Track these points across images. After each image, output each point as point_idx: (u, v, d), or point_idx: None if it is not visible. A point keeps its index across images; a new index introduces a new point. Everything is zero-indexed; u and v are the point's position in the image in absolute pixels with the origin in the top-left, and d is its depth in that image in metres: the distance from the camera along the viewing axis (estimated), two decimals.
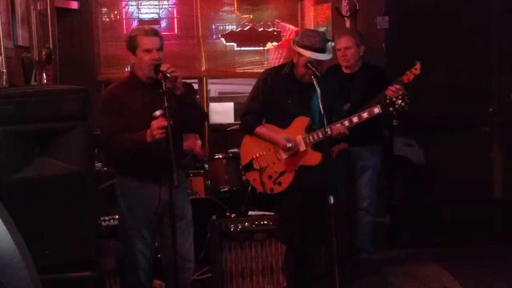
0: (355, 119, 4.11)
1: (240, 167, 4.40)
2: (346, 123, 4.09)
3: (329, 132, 3.98)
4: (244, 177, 4.45)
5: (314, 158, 4.06)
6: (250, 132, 4.24)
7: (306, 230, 4.21)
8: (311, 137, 4.10)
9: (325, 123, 3.81)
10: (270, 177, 4.19)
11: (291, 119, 4.12)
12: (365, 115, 4.14)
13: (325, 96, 3.89)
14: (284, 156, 4.16)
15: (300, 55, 4.05)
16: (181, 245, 3.70)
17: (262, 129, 4.19)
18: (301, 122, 4.11)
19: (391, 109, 4.13)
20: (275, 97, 4.16)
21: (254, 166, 4.22)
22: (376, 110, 4.14)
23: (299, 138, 4.12)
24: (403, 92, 4.15)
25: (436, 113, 5.76)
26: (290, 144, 4.08)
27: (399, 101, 4.11)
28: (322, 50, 4.02)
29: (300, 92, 3.97)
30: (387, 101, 4.13)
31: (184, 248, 3.82)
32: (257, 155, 4.22)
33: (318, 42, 4.00)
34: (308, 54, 3.97)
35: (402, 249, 5.58)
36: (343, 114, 4.20)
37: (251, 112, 4.22)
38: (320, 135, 4.03)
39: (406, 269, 5.16)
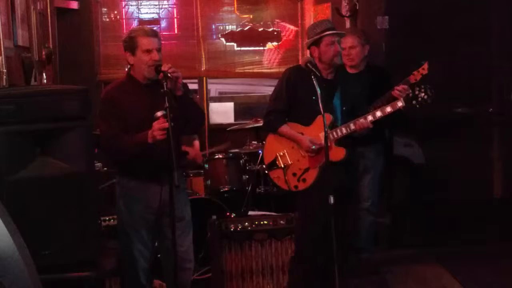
0: (378, 113, 4.11)
1: (264, 166, 4.45)
2: (370, 117, 4.10)
3: (352, 127, 4.07)
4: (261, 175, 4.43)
5: (338, 154, 4.08)
6: (274, 131, 4.26)
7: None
8: (334, 133, 4.12)
9: (325, 122, 3.82)
10: (294, 174, 4.20)
11: (315, 116, 4.12)
12: (388, 109, 4.12)
13: (349, 92, 4.10)
14: (308, 153, 4.17)
15: (318, 48, 4.15)
16: (180, 245, 3.70)
17: (285, 128, 4.21)
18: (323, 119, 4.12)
19: (414, 102, 4.09)
20: (299, 94, 4.19)
21: (278, 164, 4.23)
22: (400, 104, 4.10)
23: (322, 134, 4.11)
24: (426, 85, 4.11)
25: (436, 113, 5.76)
26: (314, 147, 4.11)
27: (422, 94, 4.07)
28: (334, 29, 4.20)
29: (323, 89, 3.97)
30: (410, 94, 4.10)
31: (183, 249, 3.81)
32: (281, 153, 4.23)
33: (328, 24, 4.20)
34: (329, 33, 4.11)
35: (402, 249, 5.59)
36: (366, 111, 4.20)
37: (275, 111, 4.25)
38: (344, 131, 4.06)
39: (406, 269, 5.16)
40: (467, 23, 5.78)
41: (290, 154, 4.22)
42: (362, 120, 4.08)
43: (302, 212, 4.32)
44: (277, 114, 4.24)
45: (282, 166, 4.22)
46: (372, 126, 4.10)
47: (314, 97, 4.07)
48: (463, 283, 4.83)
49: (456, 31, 5.79)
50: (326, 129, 3.83)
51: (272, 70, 6.75)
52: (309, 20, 6.52)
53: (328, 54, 4.13)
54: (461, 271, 5.02)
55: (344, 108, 4.13)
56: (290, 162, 4.21)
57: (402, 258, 5.39)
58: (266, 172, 4.44)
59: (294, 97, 4.20)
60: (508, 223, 5.72)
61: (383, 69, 5.11)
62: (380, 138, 5.12)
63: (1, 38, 3.54)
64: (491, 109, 5.99)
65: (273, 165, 4.26)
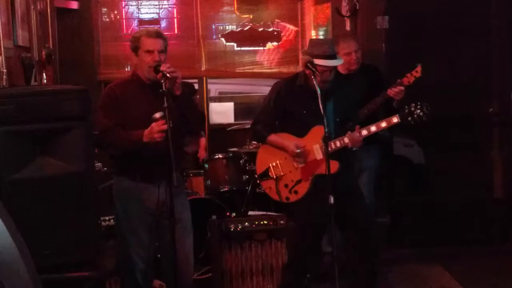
0: (373, 128, 4.10)
1: (255, 176, 4.41)
2: (364, 132, 4.08)
3: (346, 141, 4.03)
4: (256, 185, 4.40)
5: (331, 167, 4.03)
6: (263, 140, 4.26)
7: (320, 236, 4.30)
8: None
9: (325, 123, 3.80)
10: (286, 185, 4.18)
11: (308, 129, 4.11)
12: (383, 124, 4.12)
13: (342, 103, 4.02)
14: (300, 164, 4.14)
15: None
16: (179, 248, 3.62)
17: (273, 137, 4.20)
18: (318, 131, 4.04)
19: (409, 118, 4.11)
20: (289, 108, 4.15)
21: (270, 174, 4.22)
22: (395, 119, 4.12)
23: (316, 147, 4.10)
24: (423, 102, 4.12)
25: (436, 113, 5.75)
26: (298, 150, 4.07)
27: (418, 111, 4.09)
28: (333, 57, 4.02)
29: (314, 102, 3.91)
30: (406, 110, 4.11)
31: (182, 252, 3.75)
32: (274, 164, 4.21)
33: (328, 50, 3.99)
34: (321, 62, 3.95)
35: (402, 249, 5.59)
36: (359, 120, 4.19)
37: (262, 122, 4.23)
38: (338, 144, 4.03)
39: (406, 269, 5.16)
40: (467, 23, 5.78)
41: (283, 165, 4.19)
42: (355, 135, 4.03)
43: (297, 221, 4.31)
44: (264, 124, 4.22)
45: (274, 177, 4.20)
46: (363, 143, 4.08)
47: (305, 111, 4.06)
48: (463, 283, 4.83)
49: (456, 31, 5.79)
50: (325, 131, 3.80)
51: (272, 70, 6.75)
52: (309, 20, 6.52)
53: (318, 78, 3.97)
54: (461, 271, 5.03)
55: (337, 120, 4.09)
56: (282, 173, 4.19)
57: (402, 258, 5.39)
58: (258, 182, 4.41)
59: (284, 110, 4.16)
60: (508, 223, 5.72)
61: (375, 66, 5.10)
62: (374, 139, 5.11)
63: (1, 38, 3.55)
64: (491, 109, 5.98)
65: (265, 175, 4.25)
